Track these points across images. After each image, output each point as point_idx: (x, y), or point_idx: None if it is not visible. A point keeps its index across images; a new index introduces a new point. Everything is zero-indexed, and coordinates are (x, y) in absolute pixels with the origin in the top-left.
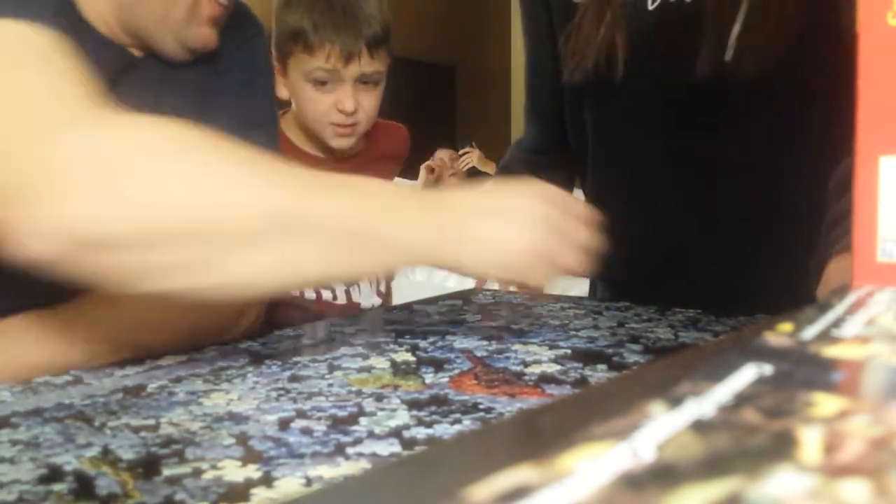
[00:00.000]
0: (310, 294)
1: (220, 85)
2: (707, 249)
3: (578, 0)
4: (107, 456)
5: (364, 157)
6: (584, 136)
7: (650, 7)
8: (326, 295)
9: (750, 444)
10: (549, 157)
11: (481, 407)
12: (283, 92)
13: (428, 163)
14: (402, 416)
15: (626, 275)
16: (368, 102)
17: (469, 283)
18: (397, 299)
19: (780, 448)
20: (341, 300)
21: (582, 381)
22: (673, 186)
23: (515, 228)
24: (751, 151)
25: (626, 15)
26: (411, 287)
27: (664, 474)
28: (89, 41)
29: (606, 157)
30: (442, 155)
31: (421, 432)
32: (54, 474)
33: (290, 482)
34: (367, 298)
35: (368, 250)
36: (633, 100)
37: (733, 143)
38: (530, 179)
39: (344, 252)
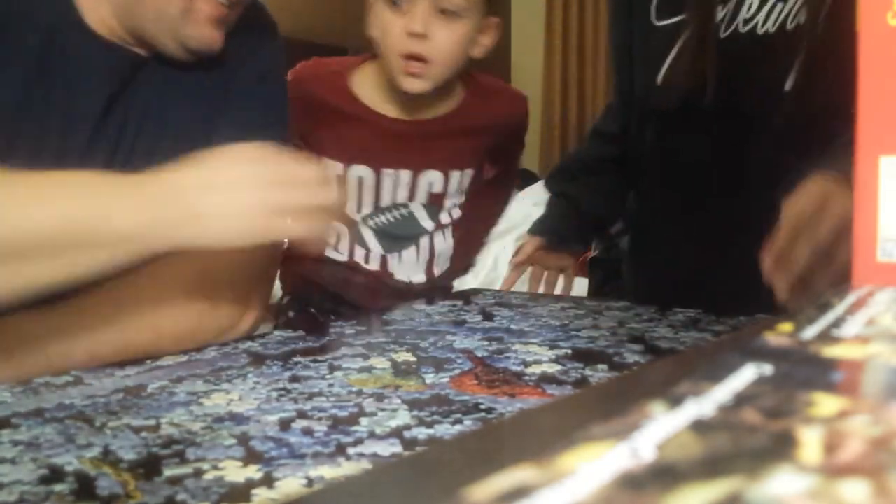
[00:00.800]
0: (341, 255)
1: (229, 88)
2: (730, 262)
3: (660, 24)
4: (107, 456)
5: (456, 121)
6: (643, 152)
7: (721, 35)
8: (359, 255)
9: (750, 444)
10: (598, 177)
11: (482, 407)
12: (371, 29)
13: None
14: (403, 417)
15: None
16: (445, 36)
17: (470, 283)
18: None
19: (780, 448)
20: (374, 266)
21: (583, 382)
22: (717, 200)
23: (234, 194)
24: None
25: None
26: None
27: (664, 474)
28: (93, 47)
29: (661, 171)
30: None
31: (422, 432)
32: (55, 475)
33: (291, 483)
34: (407, 272)
35: (95, 250)
36: (696, 121)
37: (775, 167)
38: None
39: (66, 258)
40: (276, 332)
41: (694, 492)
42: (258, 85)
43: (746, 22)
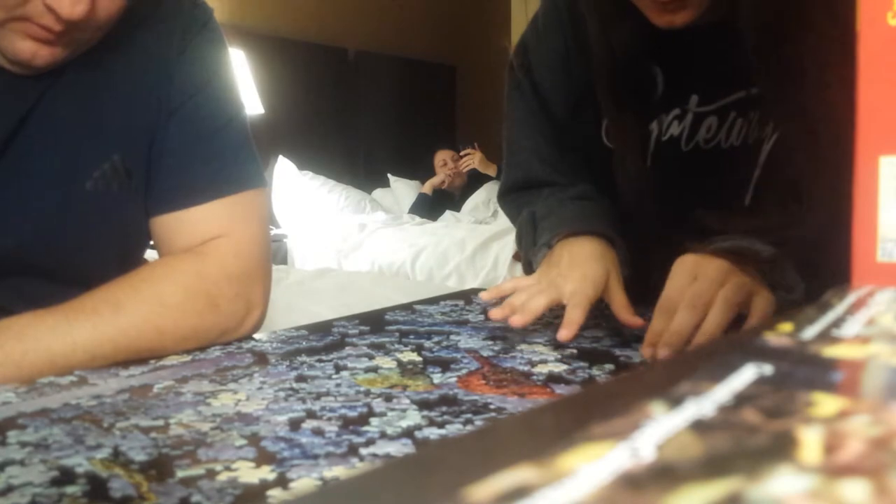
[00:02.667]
0: None
1: (173, 96)
2: None
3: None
4: (118, 458)
5: None
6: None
7: (684, 148)
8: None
9: (750, 444)
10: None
11: (492, 407)
12: None
13: (433, 180)
14: (414, 417)
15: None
16: None
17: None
18: (396, 300)
19: (780, 448)
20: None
21: (590, 381)
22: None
23: None
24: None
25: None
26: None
27: (664, 474)
28: None
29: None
30: (444, 156)
31: (434, 433)
32: (66, 476)
33: (306, 483)
34: None
35: None
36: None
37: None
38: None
39: None
40: (279, 331)
41: (694, 492)
42: (204, 81)
43: (708, 141)
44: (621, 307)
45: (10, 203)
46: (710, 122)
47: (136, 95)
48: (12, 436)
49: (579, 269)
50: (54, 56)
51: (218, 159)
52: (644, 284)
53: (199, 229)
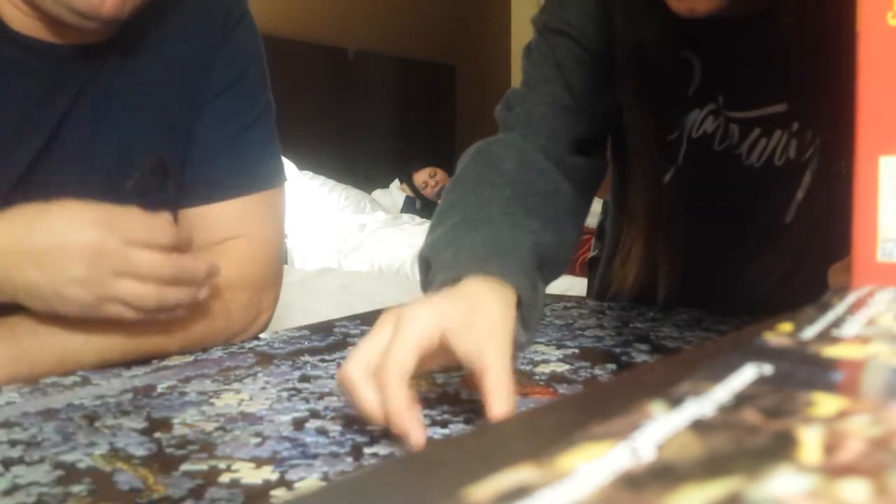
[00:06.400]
0: None
1: (207, 86)
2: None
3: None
4: (118, 453)
5: None
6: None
7: (716, 148)
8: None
9: (750, 444)
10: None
11: None
12: None
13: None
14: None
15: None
16: None
17: None
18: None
19: (780, 448)
20: None
21: (593, 381)
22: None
23: (60, 269)
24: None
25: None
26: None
27: (664, 474)
28: (10, 48)
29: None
30: (422, 177)
31: (437, 432)
32: (70, 474)
33: (310, 483)
34: None
35: None
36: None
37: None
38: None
39: None
40: (282, 332)
41: (694, 492)
42: (239, 73)
43: (741, 147)
44: (494, 387)
45: (51, 190)
46: (754, 133)
47: (175, 91)
48: (16, 435)
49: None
50: (123, 3)
51: (244, 156)
52: (651, 291)
53: (219, 227)
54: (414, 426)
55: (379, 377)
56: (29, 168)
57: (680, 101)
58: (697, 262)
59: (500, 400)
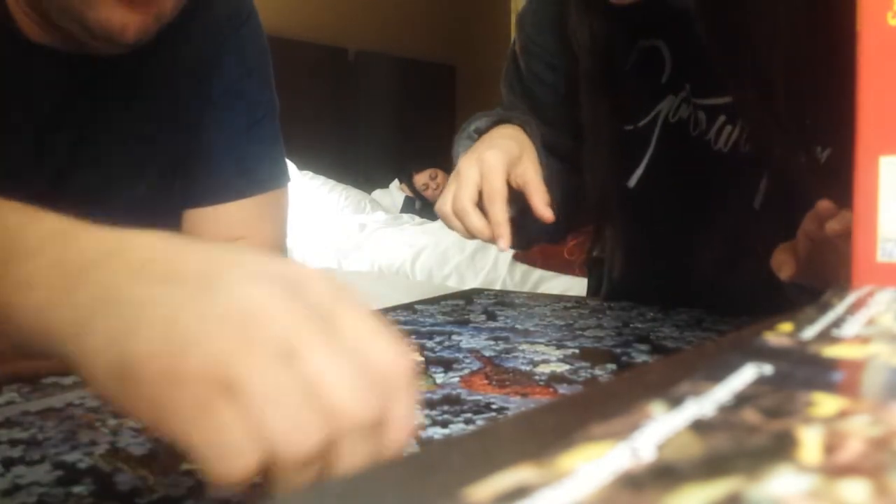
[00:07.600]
0: None
1: (214, 86)
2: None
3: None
4: (118, 453)
5: None
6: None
7: (692, 133)
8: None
9: (750, 444)
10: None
11: (494, 407)
12: None
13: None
14: (417, 416)
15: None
16: None
17: (470, 283)
18: (397, 300)
19: (780, 448)
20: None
21: (593, 381)
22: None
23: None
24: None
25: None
26: (411, 287)
27: (664, 474)
28: (27, 56)
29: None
30: (423, 178)
31: (437, 432)
32: (71, 474)
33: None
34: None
35: None
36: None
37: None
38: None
39: None
40: None
41: (694, 492)
42: (245, 73)
43: (702, 134)
44: (534, 190)
45: (75, 199)
46: (719, 119)
47: (186, 91)
48: (16, 434)
49: (492, 146)
50: (145, 26)
51: (249, 157)
52: (638, 280)
53: (223, 228)
54: (509, 233)
55: (488, 201)
56: (52, 180)
57: (650, 89)
58: (670, 248)
59: (538, 196)
